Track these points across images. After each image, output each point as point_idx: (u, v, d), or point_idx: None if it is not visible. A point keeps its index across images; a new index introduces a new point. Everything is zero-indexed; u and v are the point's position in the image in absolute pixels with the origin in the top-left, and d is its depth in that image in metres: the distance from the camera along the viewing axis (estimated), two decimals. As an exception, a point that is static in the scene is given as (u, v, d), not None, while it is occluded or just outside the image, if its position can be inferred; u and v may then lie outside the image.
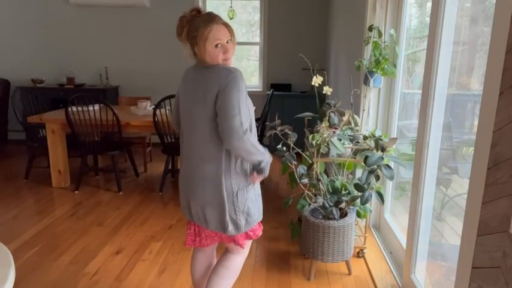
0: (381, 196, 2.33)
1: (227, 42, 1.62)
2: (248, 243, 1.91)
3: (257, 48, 5.78)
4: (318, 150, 2.47)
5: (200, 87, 1.63)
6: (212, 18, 1.61)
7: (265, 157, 1.70)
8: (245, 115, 1.58)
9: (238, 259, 1.91)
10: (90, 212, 3.50)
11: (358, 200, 2.40)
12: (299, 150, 2.59)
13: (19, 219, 3.35)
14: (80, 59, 5.81)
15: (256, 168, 1.71)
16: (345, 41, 3.96)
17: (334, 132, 2.52)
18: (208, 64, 1.65)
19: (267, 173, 1.74)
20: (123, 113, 4.25)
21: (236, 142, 1.55)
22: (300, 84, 5.70)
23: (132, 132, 4.51)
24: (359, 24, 3.19)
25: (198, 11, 1.64)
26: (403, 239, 2.58)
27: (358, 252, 2.76)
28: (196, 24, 1.60)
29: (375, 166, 2.23)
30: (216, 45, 1.60)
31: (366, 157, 2.25)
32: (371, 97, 2.90)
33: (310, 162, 2.55)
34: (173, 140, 3.90)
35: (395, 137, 2.80)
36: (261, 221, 1.86)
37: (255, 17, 5.75)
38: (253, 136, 1.62)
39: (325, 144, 2.42)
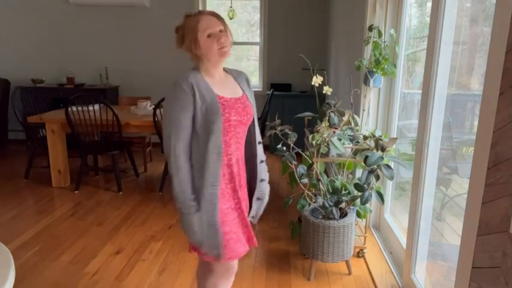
0: (381, 196, 2.33)
1: (220, 31, 1.55)
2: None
3: (257, 48, 5.78)
4: (318, 150, 2.47)
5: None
6: (199, 11, 1.57)
7: None
8: None
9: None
10: (90, 212, 3.50)
11: (358, 200, 2.40)
12: (299, 150, 2.59)
13: (19, 219, 3.35)
14: (80, 59, 5.81)
15: None
16: (345, 41, 3.96)
17: (334, 132, 2.51)
18: (212, 64, 1.59)
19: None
20: (123, 113, 4.25)
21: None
22: (300, 84, 5.69)
23: (132, 132, 4.51)
24: (359, 24, 3.19)
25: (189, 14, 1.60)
26: (403, 239, 2.58)
27: (358, 252, 2.76)
28: (187, 22, 1.56)
29: (375, 166, 2.23)
30: (209, 36, 1.53)
31: (366, 157, 2.25)
32: (371, 97, 2.90)
33: (310, 162, 2.55)
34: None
35: (395, 137, 2.80)
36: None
37: (255, 17, 5.75)
38: None
39: (325, 144, 2.42)
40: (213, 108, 1.52)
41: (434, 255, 2.38)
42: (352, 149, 2.55)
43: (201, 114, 1.52)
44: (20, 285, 2.40)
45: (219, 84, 1.61)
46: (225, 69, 1.71)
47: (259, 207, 1.80)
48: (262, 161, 1.78)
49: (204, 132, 1.54)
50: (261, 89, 5.80)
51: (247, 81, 1.77)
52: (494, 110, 1.20)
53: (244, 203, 1.70)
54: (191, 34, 1.54)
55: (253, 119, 1.70)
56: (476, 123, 1.34)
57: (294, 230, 2.77)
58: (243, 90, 1.68)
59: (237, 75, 1.73)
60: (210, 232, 1.56)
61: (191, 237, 1.59)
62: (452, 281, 1.47)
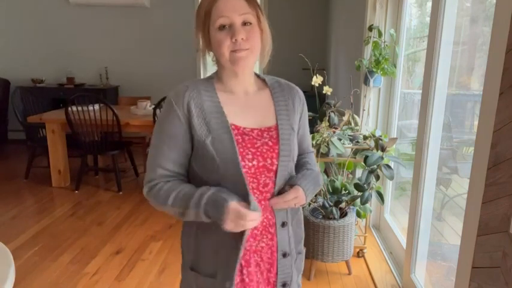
0: (381, 196, 2.33)
1: (244, 23, 0.98)
2: None
3: (257, 48, 5.78)
4: (318, 150, 2.47)
5: None
6: None
7: None
8: None
9: None
10: (90, 212, 3.50)
11: (358, 200, 2.40)
12: (299, 150, 2.58)
13: (19, 219, 3.35)
14: (80, 59, 5.80)
15: None
16: (345, 41, 3.96)
17: (334, 132, 2.51)
18: (226, 74, 1.07)
19: None
20: (123, 112, 4.25)
21: None
22: (300, 84, 5.64)
23: (132, 132, 4.50)
24: (359, 24, 3.19)
25: None
26: (403, 239, 2.58)
27: (358, 252, 2.76)
28: (201, 2, 1.02)
29: (375, 166, 2.23)
30: (220, 27, 0.98)
31: (366, 157, 2.25)
32: (371, 97, 2.90)
33: (310, 162, 2.54)
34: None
35: (395, 137, 2.80)
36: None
37: (255, 17, 5.75)
38: None
39: (325, 144, 2.42)
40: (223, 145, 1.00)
41: (434, 255, 2.38)
42: (352, 149, 2.55)
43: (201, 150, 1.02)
44: (20, 285, 2.40)
45: (238, 105, 1.08)
46: (261, 77, 1.21)
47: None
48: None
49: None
50: (261, 89, 5.80)
51: (300, 102, 1.19)
52: (494, 110, 1.20)
53: None
54: (199, 20, 1.01)
55: (287, 165, 1.09)
56: (476, 123, 1.34)
57: (294, 230, 2.77)
58: (278, 116, 1.11)
59: (281, 90, 1.18)
60: None
61: None
62: (452, 281, 1.47)
